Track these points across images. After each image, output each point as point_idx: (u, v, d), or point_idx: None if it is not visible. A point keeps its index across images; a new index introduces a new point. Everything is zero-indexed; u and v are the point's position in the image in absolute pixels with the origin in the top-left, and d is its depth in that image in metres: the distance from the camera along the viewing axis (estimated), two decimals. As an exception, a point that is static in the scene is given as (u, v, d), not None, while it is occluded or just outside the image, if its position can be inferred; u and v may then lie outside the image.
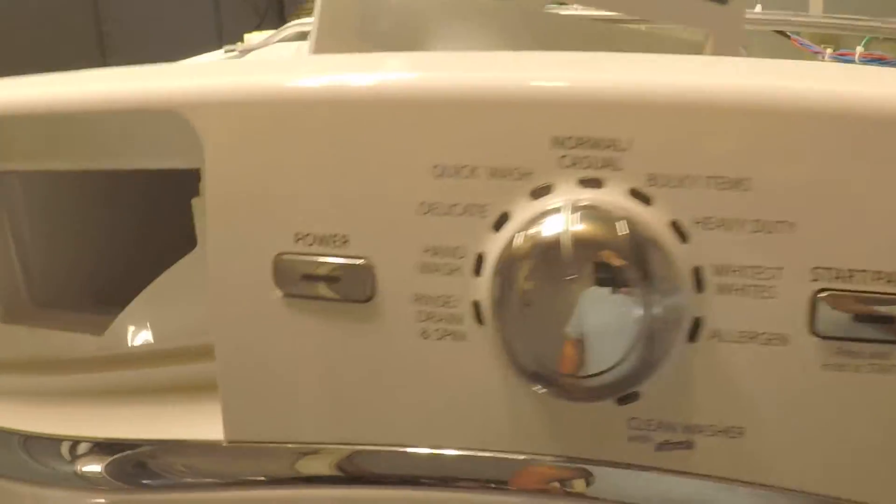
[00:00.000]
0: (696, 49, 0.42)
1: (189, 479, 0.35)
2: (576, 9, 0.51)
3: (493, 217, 0.30)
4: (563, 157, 0.30)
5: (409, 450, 0.33)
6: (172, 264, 0.40)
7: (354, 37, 0.39)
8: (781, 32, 0.61)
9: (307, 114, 0.31)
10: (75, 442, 0.37)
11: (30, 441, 0.38)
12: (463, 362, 0.31)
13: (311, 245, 0.32)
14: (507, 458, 0.32)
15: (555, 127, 0.30)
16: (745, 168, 0.29)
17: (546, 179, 0.30)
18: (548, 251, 0.29)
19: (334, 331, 0.32)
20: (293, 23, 0.59)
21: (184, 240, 0.40)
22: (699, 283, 0.29)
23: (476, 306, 0.31)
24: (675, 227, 0.29)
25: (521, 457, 0.32)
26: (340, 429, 0.33)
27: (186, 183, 0.42)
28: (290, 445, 0.34)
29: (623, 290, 0.28)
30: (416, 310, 0.31)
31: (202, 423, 0.36)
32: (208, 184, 0.33)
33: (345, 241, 0.32)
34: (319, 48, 0.39)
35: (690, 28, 0.41)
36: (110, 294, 0.42)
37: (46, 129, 0.38)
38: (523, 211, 0.30)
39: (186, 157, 0.36)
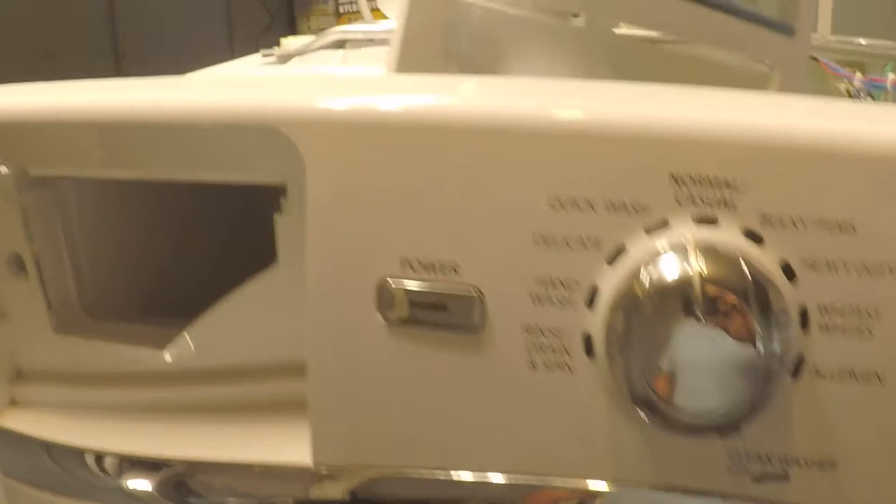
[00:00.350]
0: (759, 80, 0.43)
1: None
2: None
3: (608, 250, 0.31)
4: (681, 194, 0.31)
5: (506, 480, 0.33)
6: (227, 278, 0.39)
7: (438, 56, 0.39)
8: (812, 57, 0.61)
9: (421, 137, 0.32)
10: (137, 461, 0.36)
11: (92, 458, 0.37)
12: (569, 394, 0.32)
13: (417, 271, 0.32)
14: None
15: (674, 164, 0.31)
16: (852, 212, 0.30)
17: (662, 215, 0.31)
18: (672, 289, 0.30)
19: (438, 358, 0.32)
20: (334, 30, 0.59)
21: (240, 254, 0.39)
22: (804, 323, 0.31)
23: (587, 339, 0.31)
24: (786, 267, 0.31)
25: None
26: (437, 456, 0.33)
27: (245, 197, 0.41)
28: (384, 470, 0.34)
29: (744, 330, 0.29)
30: (525, 340, 0.32)
31: (276, 445, 0.36)
32: (310, 203, 0.32)
33: (455, 269, 0.32)
34: (402, 66, 0.40)
35: (754, 59, 0.43)
36: (158, 307, 0.41)
37: (115, 137, 0.36)
38: (639, 245, 0.31)
39: (268, 172, 0.36)
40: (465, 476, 0.33)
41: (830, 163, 0.31)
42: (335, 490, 0.35)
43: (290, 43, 0.61)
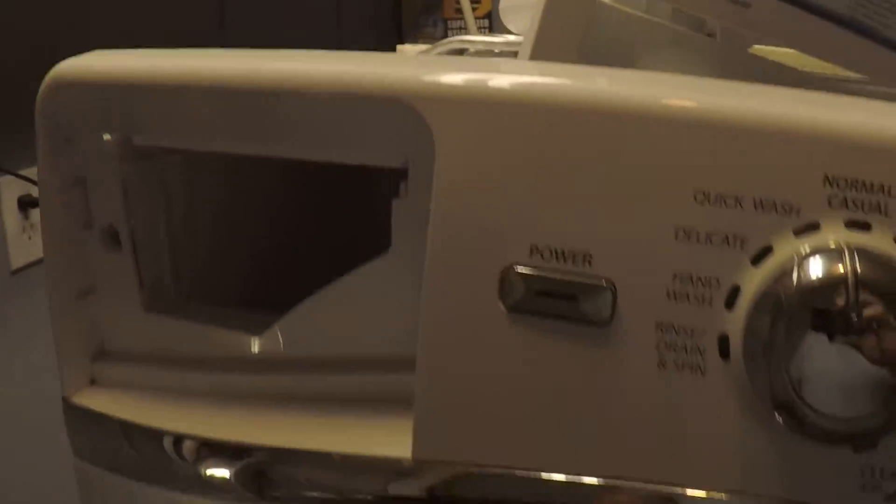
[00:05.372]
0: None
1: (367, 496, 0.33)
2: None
3: (753, 250, 0.30)
4: (834, 196, 0.29)
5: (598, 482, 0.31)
6: (329, 270, 0.37)
7: (573, 53, 0.38)
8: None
9: (561, 120, 0.30)
10: (217, 446, 0.35)
11: (170, 441, 0.35)
12: (700, 396, 0.30)
13: (547, 259, 0.31)
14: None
15: (829, 165, 0.29)
16: None
17: (813, 217, 0.30)
18: (823, 289, 0.28)
19: (561, 351, 0.31)
20: (454, 38, 0.58)
21: (344, 245, 0.38)
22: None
23: (723, 340, 0.30)
24: (938, 279, 0.29)
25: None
26: (544, 457, 0.31)
27: (351, 184, 0.40)
28: (476, 468, 0.32)
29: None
30: (656, 338, 0.30)
31: (363, 437, 0.34)
32: (437, 183, 0.31)
33: (587, 259, 0.30)
34: (536, 56, 0.39)
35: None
36: (256, 297, 0.40)
37: (227, 106, 0.35)
38: (787, 246, 0.29)
39: (389, 153, 0.35)
40: (556, 477, 0.32)
41: None
42: (416, 486, 0.33)
43: (407, 49, 0.60)
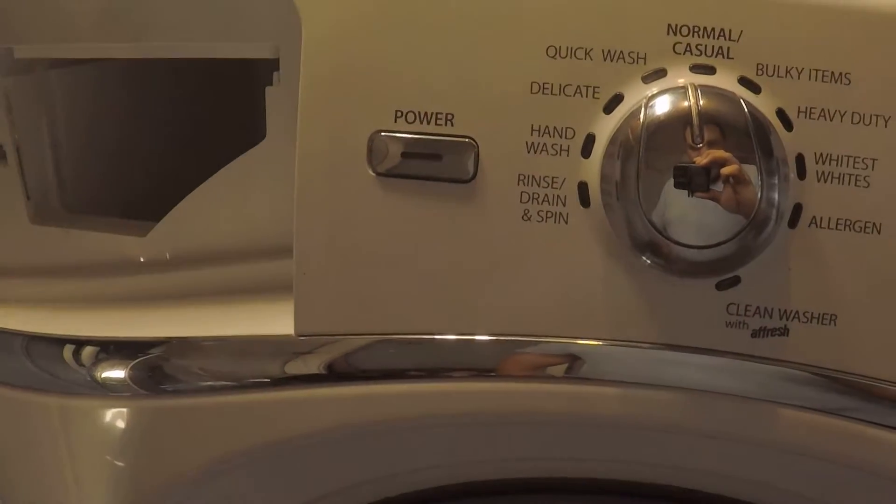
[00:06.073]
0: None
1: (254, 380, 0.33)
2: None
3: (605, 98, 0.31)
4: (677, 43, 0.31)
5: (490, 342, 0.32)
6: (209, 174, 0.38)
7: None
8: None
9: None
10: (101, 345, 0.35)
11: (71, 350, 0.35)
12: (564, 245, 0.31)
13: (412, 122, 0.32)
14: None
15: (671, 14, 0.31)
16: (847, 63, 0.30)
17: (659, 64, 0.31)
18: (670, 123, 0.29)
19: (430, 211, 0.32)
20: None
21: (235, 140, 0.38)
22: (801, 171, 0.31)
23: (582, 187, 0.31)
24: (781, 115, 0.31)
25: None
26: (423, 319, 0.32)
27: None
28: (362, 340, 0.33)
29: (746, 165, 0.29)
30: (519, 191, 0.31)
31: (255, 321, 0.35)
32: (304, 58, 0.32)
33: (450, 119, 0.31)
34: None
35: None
36: (143, 209, 0.40)
37: (107, 6, 0.36)
38: (637, 93, 0.31)
39: (261, 44, 0.35)
40: (448, 339, 0.32)
41: (826, 13, 0.31)
42: (312, 364, 0.33)
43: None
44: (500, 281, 0.32)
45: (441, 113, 0.31)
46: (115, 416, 0.37)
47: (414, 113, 0.32)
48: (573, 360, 0.32)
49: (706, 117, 0.29)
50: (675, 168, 0.29)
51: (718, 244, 0.29)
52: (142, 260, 0.38)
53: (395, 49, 0.31)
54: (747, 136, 0.29)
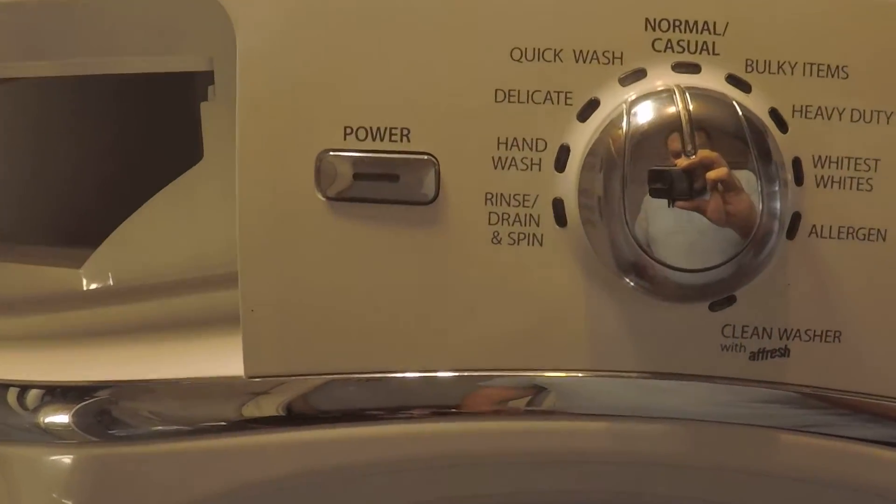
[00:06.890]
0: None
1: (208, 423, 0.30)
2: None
3: (579, 105, 0.28)
4: (657, 39, 0.28)
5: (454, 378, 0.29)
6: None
7: None
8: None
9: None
10: (46, 388, 0.31)
11: (15, 393, 0.32)
12: (539, 269, 0.28)
13: (363, 140, 0.28)
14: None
15: (648, 7, 0.27)
16: (843, 55, 0.27)
17: (638, 63, 0.28)
18: (657, 132, 0.26)
19: (387, 238, 0.28)
20: None
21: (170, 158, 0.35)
22: (798, 176, 0.28)
23: (557, 205, 0.28)
24: (775, 115, 0.28)
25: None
26: (381, 355, 0.29)
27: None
28: (320, 380, 0.29)
29: (744, 172, 0.26)
30: (486, 211, 0.28)
31: (207, 361, 0.31)
32: (240, 72, 0.28)
33: (405, 134, 0.28)
34: None
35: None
36: (78, 232, 0.36)
37: (25, 22, 0.32)
38: (614, 97, 0.27)
39: (194, 57, 0.32)
40: (410, 377, 0.29)
41: (819, 0, 0.28)
42: (270, 406, 0.30)
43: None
44: (467, 312, 0.29)
45: (395, 128, 0.28)
46: (61, 465, 0.34)
47: (365, 129, 0.28)
48: (542, 392, 0.29)
49: (696, 123, 0.26)
50: (649, 172, 0.26)
51: (712, 268, 0.26)
52: (84, 289, 0.34)
53: (341, 58, 0.28)
54: (743, 141, 0.26)
